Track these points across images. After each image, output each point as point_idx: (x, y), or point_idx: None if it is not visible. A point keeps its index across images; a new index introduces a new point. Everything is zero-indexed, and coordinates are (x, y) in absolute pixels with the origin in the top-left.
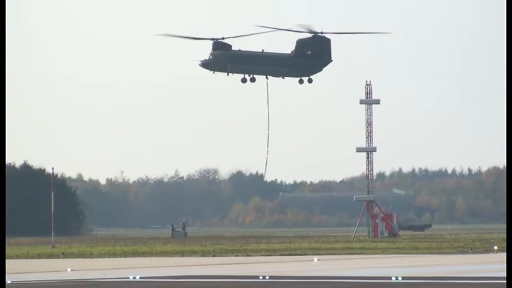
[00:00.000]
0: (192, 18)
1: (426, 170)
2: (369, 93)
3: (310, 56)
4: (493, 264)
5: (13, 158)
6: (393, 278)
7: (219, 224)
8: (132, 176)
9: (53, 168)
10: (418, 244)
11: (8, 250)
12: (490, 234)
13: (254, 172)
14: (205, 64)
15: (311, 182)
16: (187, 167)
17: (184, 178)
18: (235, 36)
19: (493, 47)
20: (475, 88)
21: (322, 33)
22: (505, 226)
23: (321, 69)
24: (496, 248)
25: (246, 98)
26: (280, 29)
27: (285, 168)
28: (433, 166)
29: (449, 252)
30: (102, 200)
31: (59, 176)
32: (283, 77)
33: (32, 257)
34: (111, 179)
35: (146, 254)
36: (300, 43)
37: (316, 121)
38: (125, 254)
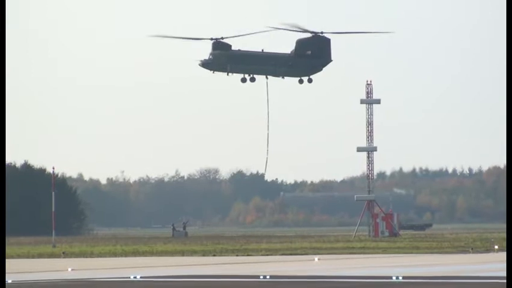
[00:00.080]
0: (191, 18)
1: (427, 170)
2: (369, 92)
3: (310, 55)
4: (493, 264)
5: (14, 157)
6: (394, 278)
7: (220, 223)
8: (132, 176)
9: (53, 168)
10: (419, 244)
11: (9, 250)
12: (490, 234)
13: (255, 172)
14: (205, 64)
15: (312, 182)
16: (188, 167)
17: (185, 178)
18: (235, 36)
19: (493, 47)
20: (475, 88)
21: (322, 33)
22: (505, 225)
23: (321, 69)
24: (496, 247)
25: (247, 97)
26: (292, 30)
27: (285, 168)
28: (434, 166)
29: (450, 251)
30: (102, 200)
31: (59, 175)
32: (283, 77)
33: (33, 257)
34: (111, 178)
35: (147, 253)
36: (300, 43)
37: (316, 121)
38: (125, 254)
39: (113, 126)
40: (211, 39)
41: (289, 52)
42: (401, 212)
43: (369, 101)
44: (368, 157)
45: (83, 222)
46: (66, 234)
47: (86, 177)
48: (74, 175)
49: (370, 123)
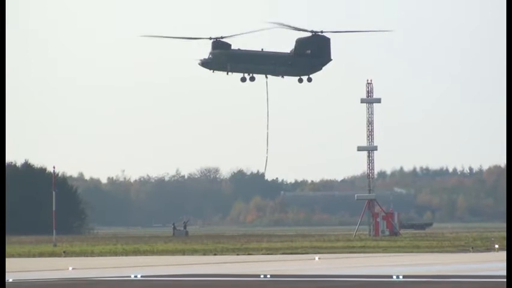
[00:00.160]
0: (191, 17)
1: (427, 169)
2: (369, 92)
3: (310, 55)
4: (493, 263)
5: (14, 157)
6: (394, 277)
7: (220, 222)
8: (133, 175)
9: (54, 167)
10: (419, 243)
11: (10, 249)
12: (491, 233)
13: (255, 171)
14: (205, 63)
15: (312, 181)
16: (189, 166)
17: (186, 177)
18: (235, 35)
19: (493, 46)
20: (476, 87)
21: (321, 32)
22: (505, 225)
23: (321, 68)
24: (496, 246)
25: (248, 97)
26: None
27: (286, 167)
28: (434, 165)
29: (450, 250)
30: (103, 199)
31: (60, 174)
32: (282, 76)
33: (34, 256)
34: (112, 177)
35: (147, 252)
36: (300, 42)
37: (317, 120)
38: (126, 253)
39: (113, 125)
40: (211, 38)
41: (288, 51)
42: (402, 211)
43: (370, 100)
44: (368, 156)
45: (84, 222)
46: (67, 233)
47: (87, 177)
48: (75, 174)
49: (370, 123)
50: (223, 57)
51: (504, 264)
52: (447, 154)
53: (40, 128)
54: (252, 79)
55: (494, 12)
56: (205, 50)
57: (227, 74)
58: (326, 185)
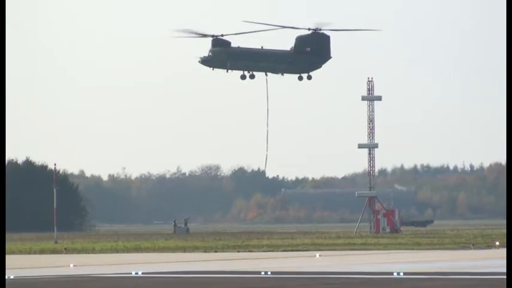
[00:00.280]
0: (190, 15)
1: (428, 166)
2: (370, 89)
3: (310, 52)
4: (494, 260)
5: (15, 154)
6: (395, 274)
7: (221, 220)
8: (134, 172)
9: (55, 165)
10: (420, 240)
11: (11, 245)
12: (491, 230)
13: (256, 168)
14: (205, 61)
15: (313, 178)
16: (189, 163)
17: (186, 174)
18: (235, 33)
19: (494, 44)
20: (477, 84)
21: (321, 30)
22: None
23: (320, 66)
24: (497, 243)
25: (248, 94)
26: (282, 26)
27: (286, 165)
28: (435, 162)
29: (451, 248)
30: (104, 196)
31: (61, 172)
32: (282, 74)
33: (35, 253)
34: (113, 175)
35: (148, 249)
36: (299, 40)
37: (318, 117)
38: (127, 250)
39: (114, 123)
40: (211, 36)
41: (288, 49)
42: (403, 209)
43: (370, 97)
44: (369, 154)
45: (85, 219)
46: (68, 230)
47: (88, 174)
48: (76, 172)
49: (371, 120)
50: (223, 55)
51: (505, 261)
52: (448, 151)
53: (41, 126)
54: (252, 77)
55: (495, 10)
56: (205, 48)
57: (227, 71)
58: (327, 183)
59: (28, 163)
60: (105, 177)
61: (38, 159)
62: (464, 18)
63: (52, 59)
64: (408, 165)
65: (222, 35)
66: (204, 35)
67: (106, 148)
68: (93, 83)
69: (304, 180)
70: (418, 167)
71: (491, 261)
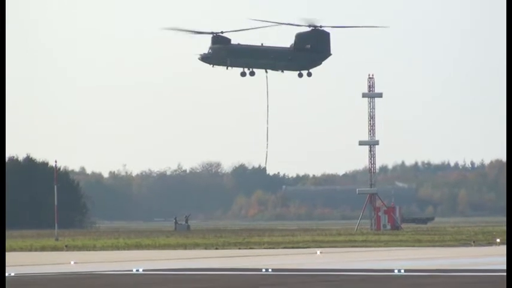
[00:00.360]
0: (190, 13)
1: (429, 163)
2: (371, 86)
3: (310, 49)
4: (495, 257)
5: (16, 151)
6: (396, 271)
7: (222, 217)
8: (135, 169)
9: (56, 162)
10: (421, 237)
11: (12, 243)
12: (492, 227)
13: (257, 165)
14: (205, 58)
15: (314, 175)
16: (190, 160)
17: (187, 171)
18: (235, 30)
19: (494, 42)
20: (477, 81)
21: (321, 26)
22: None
23: (320, 63)
24: (498, 240)
25: (248, 91)
26: (281, 23)
27: (287, 162)
28: (436, 159)
29: (452, 245)
30: (105, 193)
31: (61, 169)
32: (282, 71)
33: (36, 250)
34: (114, 172)
35: (149, 246)
36: (299, 37)
37: (318, 114)
38: (128, 247)
39: (115, 120)
40: (211, 33)
41: (288, 46)
42: (403, 206)
43: (371, 94)
44: (370, 151)
45: (85, 216)
46: (69, 227)
47: (88, 171)
48: (76, 168)
49: (372, 117)
50: (223, 52)
51: (505, 259)
52: (449, 148)
53: (42, 123)
54: (252, 74)
55: (496, 6)
56: (205, 45)
57: (227, 68)
58: (328, 179)
59: (29, 160)
60: (105, 174)
61: (38, 156)
62: (465, 14)
63: (52, 56)
64: (409, 162)
65: (222, 32)
66: (199, 32)
67: (107, 145)
68: (93, 81)
69: (305, 177)
70: (419, 164)
71: (492, 258)
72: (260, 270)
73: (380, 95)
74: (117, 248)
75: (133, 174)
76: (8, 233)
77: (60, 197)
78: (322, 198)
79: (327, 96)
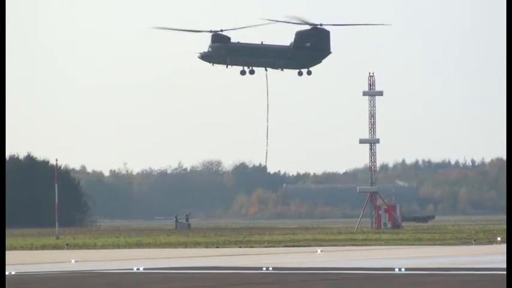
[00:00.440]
0: (190, 11)
1: (429, 162)
2: (371, 84)
3: (309, 48)
4: (496, 256)
5: (17, 149)
6: (396, 269)
7: (223, 215)
8: (135, 168)
9: (56, 160)
10: (421, 235)
11: (12, 241)
12: (493, 226)
13: (257, 164)
14: (204, 56)
15: (314, 174)
16: (191, 159)
17: (188, 170)
18: (234, 29)
19: (495, 38)
20: (478, 79)
21: (321, 25)
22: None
23: (320, 61)
24: (499, 239)
25: (248, 89)
26: (288, 22)
27: (288, 160)
28: (436, 157)
29: (453, 243)
30: (105, 192)
31: (62, 167)
32: (282, 69)
33: (36, 248)
34: (114, 170)
35: (150, 245)
36: (299, 35)
37: (319, 113)
38: (128, 246)
39: (115, 118)
40: (211, 31)
41: (288, 44)
42: (404, 204)
43: (372, 92)
44: (370, 149)
45: (86, 214)
46: (70, 226)
47: (89, 169)
48: (77, 167)
49: (372, 115)
50: (223, 51)
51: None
52: (449, 147)
53: (42, 121)
54: (252, 72)
55: (496, 6)
56: (204, 43)
57: (227, 67)
58: (328, 178)
59: (29, 159)
60: (106, 173)
61: (39, 155)
62: (465, 12)
63: (53, 54)
64: (409, 160)
65: (222, 30)
66: (197, 31)
67: (107, 143)
68: (94, 80)
69: (306, 176)
70: (420, 162)
71: (493, 256)
72: (261, 268)
73: (381, 93)
74: (117, 246)
75: (134, 172)
76: (8, 231)
77: (60, 195)
78: (323, 196)
79: (327, 95)
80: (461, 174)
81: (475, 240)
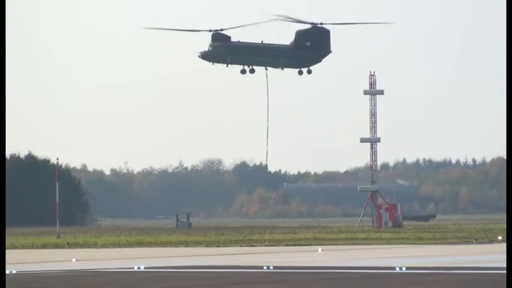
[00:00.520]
0: (190, 10)
1: (430, 161)
2: (372, 83)
3: (310, 47)
4: (496, 255)
5: (18, 148)
6: (397, 268)
7: (223, 214)
8: (136, 167)
9: (57, 159)
10: (422, 234)
11: (13, 240)
12: (494, 225)
13: (258, 163)
14: (205, 56)
15: (315, 173)
16: (192, 158)
17: (189, 169)
18: (234, 28)
19: (495, 38)
20: (479, 78)
21: (321, 24)
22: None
23: (320, 60)
24: (499, 238)
25: (249, 89)
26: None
27: (289, 159)
28: (437, 156)
29: (453, 242)
30: (106, 191)
31: (63, 166)
32: (282, 68)
33: (37, 247)
34: (115, 169)
35: (151, 244)
36: (300, 34)
37: (320, 112)
38: (129, 244)
39: (116, 117)
40: (211, 30)
41: (288, 43)
42: (405, 203)
43: (372, 91)
44: (371, 148)
45: (87, 213)
46: (70, 225)
47: (90, 168)
48: (78, 166)
49: (373, 114)
50: (223, 50)
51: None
52: (450, 146)
53: (43, 120)
54: (252, 71)
55: (496, 6)
56: (205, 43)
57: (227, 66)
58: (329, 177)
59: (30, 157)
60: (107, 172)
61: (40, 154)
62: (466, 11)
63: (53, 53)
64: (410, 159)
65: (222, 30)
66: (185, 30)
67: (108, 142)
68: (94, 79)
69: (307, 175)
70: (420, 161)
71: (494, 256)
72: (261, 267)
73: (381, 92)
74: (118, 245)
75: (135, 171)
76: (9, 230)
77: (61, 194)
78: (324, 195)
79: (327, 94)
80: (462, 173)
81: (475, 240)
